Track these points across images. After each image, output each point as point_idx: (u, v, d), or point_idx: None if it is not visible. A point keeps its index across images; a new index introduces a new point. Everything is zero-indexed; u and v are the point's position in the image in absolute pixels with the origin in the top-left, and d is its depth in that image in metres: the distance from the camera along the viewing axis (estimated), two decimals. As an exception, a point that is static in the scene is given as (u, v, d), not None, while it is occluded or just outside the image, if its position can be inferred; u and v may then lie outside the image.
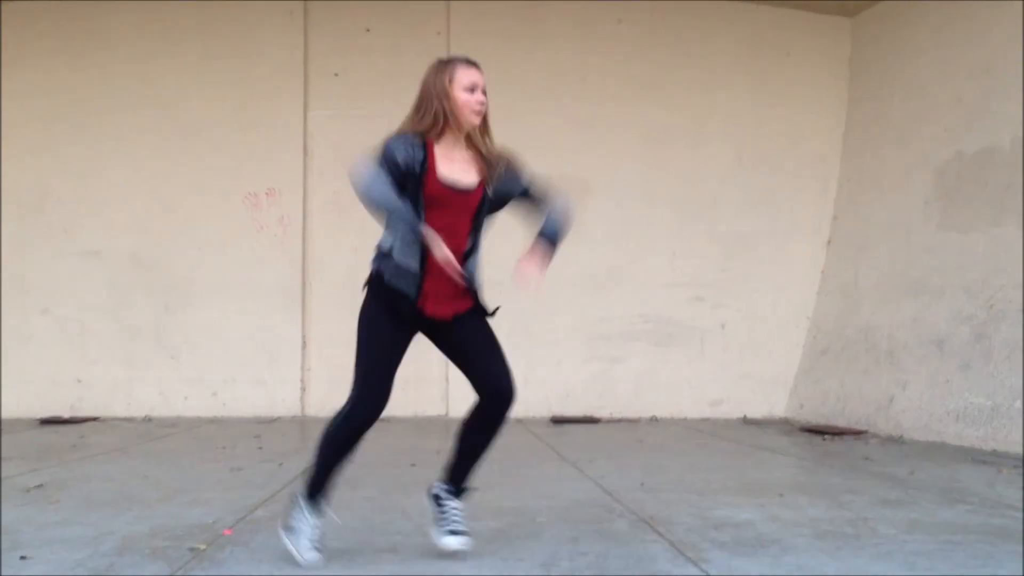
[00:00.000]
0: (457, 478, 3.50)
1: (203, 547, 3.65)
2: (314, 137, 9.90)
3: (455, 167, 3.34)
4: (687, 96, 10.15)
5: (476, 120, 3.36)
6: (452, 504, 3.47)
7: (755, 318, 10.07)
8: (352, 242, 9.63)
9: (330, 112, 9.81)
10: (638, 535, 3.95)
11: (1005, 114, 7.69)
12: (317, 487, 3.38)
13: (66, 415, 9.34)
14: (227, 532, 3.94)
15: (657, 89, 10.08)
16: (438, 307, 3.33)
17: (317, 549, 3.36)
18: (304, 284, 9.87)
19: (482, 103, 3.37)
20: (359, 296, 3.30)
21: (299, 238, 9.88)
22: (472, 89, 3.34)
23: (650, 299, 10.01)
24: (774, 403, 9.94)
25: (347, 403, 3.30)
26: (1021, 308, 7.17)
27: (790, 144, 10.17)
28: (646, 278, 10.05)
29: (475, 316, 3.44)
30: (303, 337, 9.83)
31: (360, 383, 3.28)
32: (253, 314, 9.75)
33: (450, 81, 3.32)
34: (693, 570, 3.35)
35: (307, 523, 3.37)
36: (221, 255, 9.80)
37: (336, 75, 9.82)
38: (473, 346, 3.43)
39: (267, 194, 9.84)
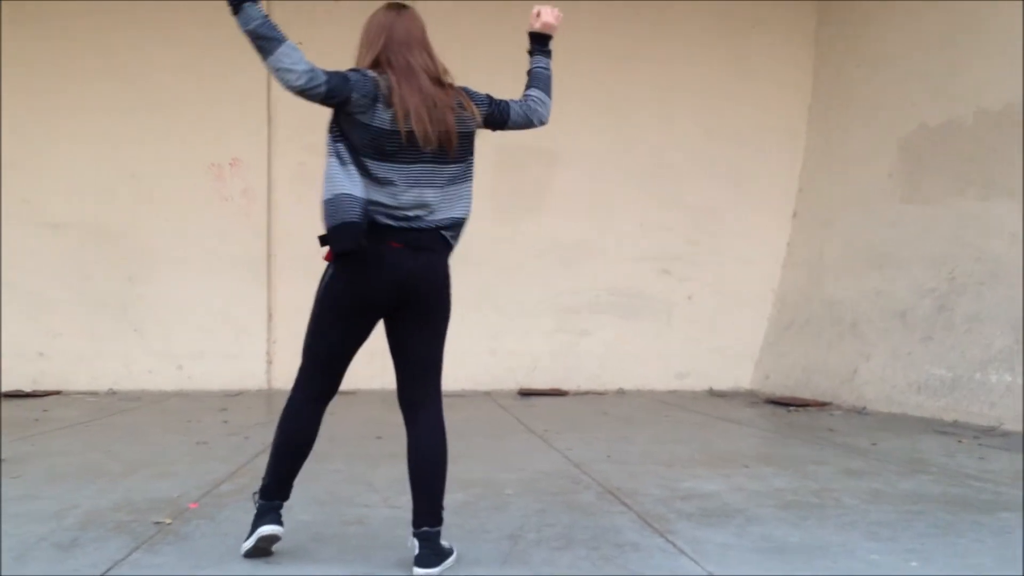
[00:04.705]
0: None
1: (168, 521, 3.62)
2: (278, 107, 9.76)
3: None
4: (655, 69, 10.11)
5: None
6: None
7: (722, 291, 10.13)
8: (319, 213, 9.55)
9: (295, 82, 9.66)
10: (604, 506, 3.97)
11: (967, 87, 7.75)
12: None
13: (28, 389, 9.21)
14: (192, 506, 3.91)
15: (625, 62, 10.04)
16: None
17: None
18: (269, 256, 9.77)
19: None
20: (322, 268, 3.23)
21: (264, 209, 9.78)
22: None
23: (617, 272, 10.03)
24: (740, 375, 10.03)
25: None
26: (982, 280, 7.27)
27: (757, 117, 10.20)
28: (613, 251, 10.07)
29: None
30: (269, 309, 9.75)
31: None
32: (218, 286, 9.65)
33: None
34: (659, 541, 3.38)
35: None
36: (185, 227, 9.67)
37: (300, 44, 9.64)
38: None
39: (231, 164, 9.73)
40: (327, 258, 2.99)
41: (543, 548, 3.28)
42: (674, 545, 3.31)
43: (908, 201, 8.38)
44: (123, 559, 3.09)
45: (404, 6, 3.12)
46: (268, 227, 9.79)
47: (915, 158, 8.36)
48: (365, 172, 2.93)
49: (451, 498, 3.87)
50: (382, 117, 2.91)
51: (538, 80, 3.36)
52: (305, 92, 2.88)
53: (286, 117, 9.75)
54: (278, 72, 2.81)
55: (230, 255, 9.68)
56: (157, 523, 3.59)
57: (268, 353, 9.73)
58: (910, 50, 8.54)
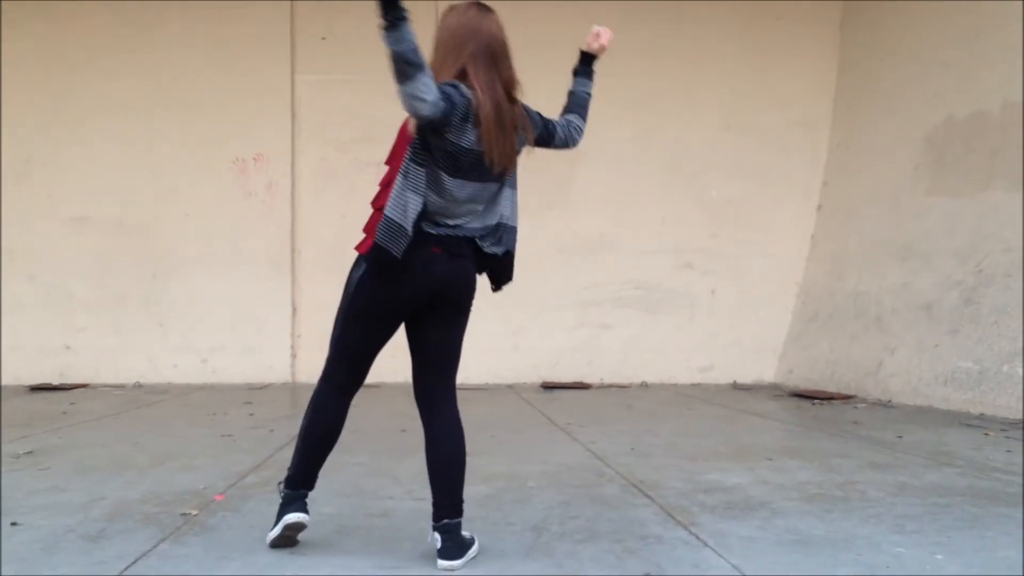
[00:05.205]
0: None
1: (194, 512, 3.65)
2: (301, 102, 9.81)
3: None
4: (676, 62, 10.07)
5: None
6: None
7: (744, 284, 10.08)
8: (341, 208, 9.61)
9: (318, 76, 9.71)
10: (628, 499, 3.97)
11: (994, 79, 7.66)
12: None
13: (55, 382, 9.33)
14: (218, 498, 3.94)
15: (646, 55, 9.99)
16: None
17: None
18: (293, 250, 9.83)
19: None
20: (348, 261, 3.23)
21: (287, 204, 9.82)
22: None
23: (639, 265, 10.01)
24: (763, 369, 9.98)
25: None
26: (1009, 272, 7.20)
27: (780, 110, 10.13)
28: (635, 244, 10.04)
29: None
30: (293, 303, 9.81)
31: None
32: (242, 281, 9.71)
33: None
34: (683, 533, 3.37)
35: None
36: (208, 222, 9.74)
37: (323, 39, 9.72)
38: None
39: (254, 160, 9.78)
40: (358, 248, 3.00)
41: (566, 540, 3.28)
42: (697, 538, 3.30)
43: (934, 193, 8.31)
44: (150, 550, 3.12)
45: (488, 7, 2.99)
46: (292, 222, 9.84)
47: (941, 151, 8.28)
48: (435, 184, 2.89)
49: (474, 491, 3.88)
50: (469, 137, 2.85)
51: (579, 105, 3.38)
52: (427, 120, 2.75)
53: (309, 112, 9.79)
54: (412, 99, 2.66)
55: (254, 250, 9.73)
56: (183, 515, 3.62)
57: (292, 347, 9.78)
58: (935, 43, 8.45)
